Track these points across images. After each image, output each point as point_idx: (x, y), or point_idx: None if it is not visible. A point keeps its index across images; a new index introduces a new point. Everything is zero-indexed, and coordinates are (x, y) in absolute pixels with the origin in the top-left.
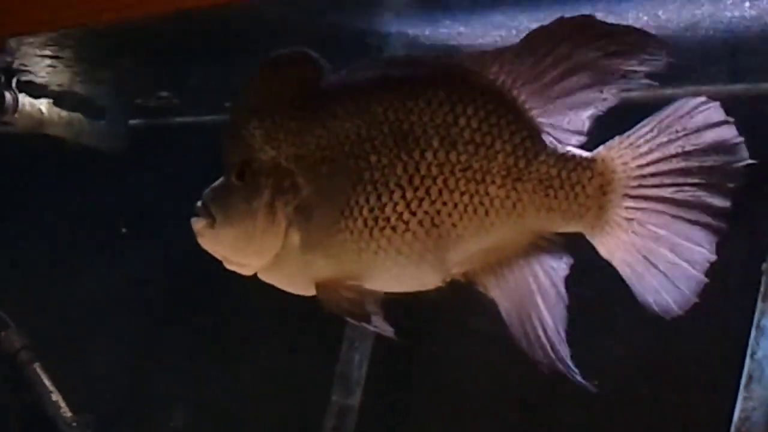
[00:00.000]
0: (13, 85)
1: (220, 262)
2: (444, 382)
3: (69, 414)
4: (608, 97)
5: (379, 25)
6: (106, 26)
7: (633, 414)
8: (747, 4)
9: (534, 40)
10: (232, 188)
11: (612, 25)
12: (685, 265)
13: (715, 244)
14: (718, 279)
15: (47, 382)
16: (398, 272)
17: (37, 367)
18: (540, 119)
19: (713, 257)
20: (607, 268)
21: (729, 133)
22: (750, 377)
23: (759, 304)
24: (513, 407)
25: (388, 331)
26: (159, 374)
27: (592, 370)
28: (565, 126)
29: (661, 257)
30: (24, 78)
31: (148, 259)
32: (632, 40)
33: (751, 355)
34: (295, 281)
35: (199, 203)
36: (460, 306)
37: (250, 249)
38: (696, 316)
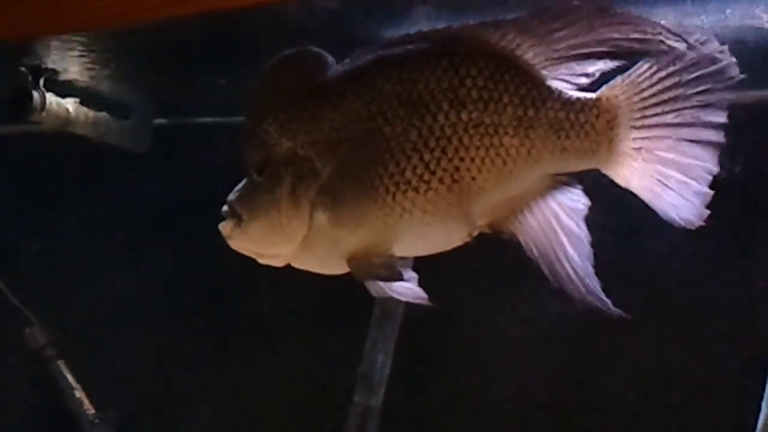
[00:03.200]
0: (41, 84)
1: (245, 261)
2: (465, 383)
3: (92, 411)
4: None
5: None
6: (134, 26)
7: (657, 420)
8: None
9: (544, 14)
10: (255, 185)
11: (630, 13)
12: (691, 181)
13: (717, 157)
14: (747, 287)
15: (70, 379)
16: (425, 231)
17: (61, 363)
18: (546, 72)
19: (715, 169)
20: None
21: (722, 57)
22: None
23: None
24: (535, 410)
25: (422, 296)
26: (182, 373)
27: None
28: (571, 77)
29: (672, 178)
30: (51, 77)
31: (172, 258)
32: (652, 31)
33: None
34: (327, 261)
35: (224, 207)
36: (482, 308)
37: (279, 237)
38: (724, 323)
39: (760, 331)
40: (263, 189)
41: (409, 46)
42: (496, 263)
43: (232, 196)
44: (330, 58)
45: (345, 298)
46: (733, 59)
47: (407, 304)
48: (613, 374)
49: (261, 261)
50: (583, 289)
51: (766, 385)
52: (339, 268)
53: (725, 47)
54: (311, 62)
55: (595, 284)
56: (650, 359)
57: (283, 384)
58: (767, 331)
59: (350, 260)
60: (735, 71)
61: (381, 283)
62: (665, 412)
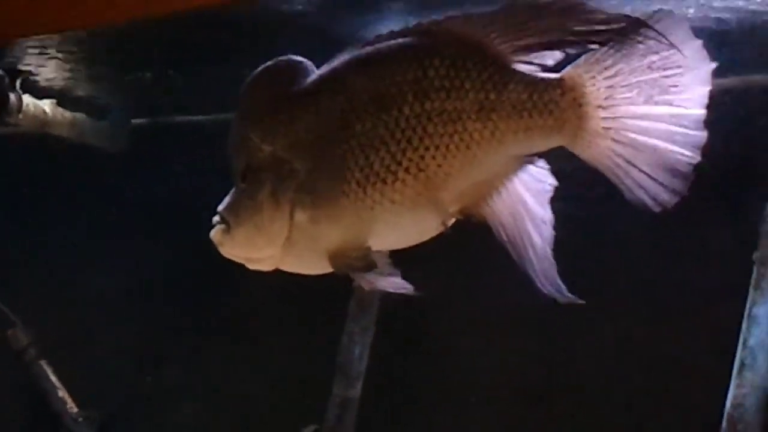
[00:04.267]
0: (18, 86)
1: (224, 260)
2: (442, 372)
3: (75, 410)
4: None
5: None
6: (109, 27)
7: (629, 402)
8: None
9: (509, 8)
10: (240, 192)
11: (595, 6)
12: (669, 164)
13: (699, 144)
14: (710, 269)
15: (53, 379)
16: (397, 221)
17: (44, 363)
18: (511, 57)
19: (696, 157)
20: None
21: (692, 43)
22: (742, 364)
23: (751, 293)
24: (512, 398)
25: (406, 287)
26: (163, 371)
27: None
28: (537, 59)
29: (644, 159)
30: (27, 79)
31: (152, 257)
32: (615, 20)
33: (743, 343)
34: (310, 260)
35: (215, 217)
36: (456, 298)
37: (263, 240)
38: (689, 305)
39: (725, 310)
40: (247, 194)
41: (381, 45)
42: (469, 253)
43: (221, 205)
44: (310, 65)
45: (322, 293)
46: (701, 40)
47: (383, 297)
48: (586, 358)
49: (250, 266)
50: (540, 273)
51: (735, 365)
52: (322, 267)
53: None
54: (291, 70)
55: (551, 268)
56: (621, 342)
57: (263, 378)
58: (732, 310)
59: (330, 256)
60: (708, 61)
61: (368, 277)
62: (637, 394)
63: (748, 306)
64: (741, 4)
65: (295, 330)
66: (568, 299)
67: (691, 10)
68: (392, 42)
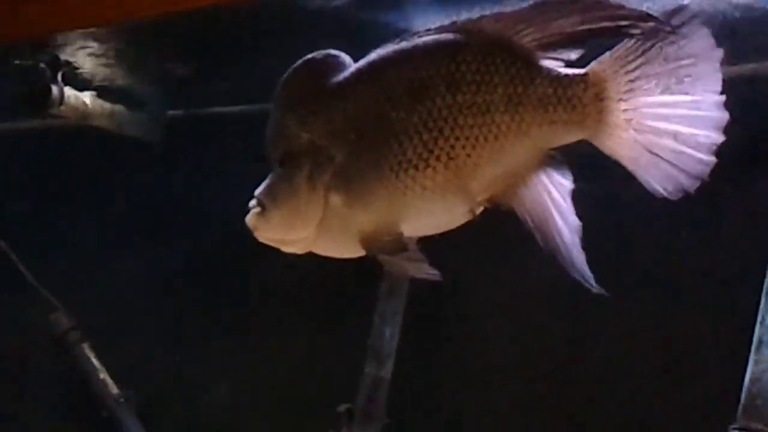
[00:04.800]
0: (59, 78)
1: (257, 245)
2: (470, 354)
3: (116, 391)
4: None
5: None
6: (147, 20)
7: (650, 379)
8: None
9: (539, 5)
10: (277, 176)
11: (626, 6)
12: (691, 151)
13: (721, 128)
14: (729, 249)
15: (95, 361)
16: (427, 207)
17: (85, 346)
18: (538, 54)
19: (720, 138)
20: None
21: (708, 38)
22: (760, 342)
23: None
24: (539, 378)
25: (433, 273)
26: (200, 353)
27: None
28: (563, 55)
29: (665, 148)
30: (68, 71)
31: (188, 241)
32: (636, 16)
33: (761, 321)
34: (343, 243)
35: (252, 201)
36: (485, 281)
37: (298, 222)
38: (708, 286)
39: (743, 297)
40: (284, 178)
41: (416, 40)
42: (497, 237)
43: (258, 190)
44: (347, 58)
45: (354, 275)
46: (714, 39)
47: (413, 279)
48: (608, 338)
49: (284, 249)
50: (568, 262)
51: (753, 342)
52: (354, 250)
53: (706, 28)
54: (329, 63)
55: (580, 257)
56: (642, 322)
57: (297, 359)
58: (749, 297)
59: (362, 239)
60: (718, 50)
61: (397, 262)
62: (657, 373)
63: (765, 285)
64: None
65: (328, 312)
66: (596, 288)
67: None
68: (427, 38)
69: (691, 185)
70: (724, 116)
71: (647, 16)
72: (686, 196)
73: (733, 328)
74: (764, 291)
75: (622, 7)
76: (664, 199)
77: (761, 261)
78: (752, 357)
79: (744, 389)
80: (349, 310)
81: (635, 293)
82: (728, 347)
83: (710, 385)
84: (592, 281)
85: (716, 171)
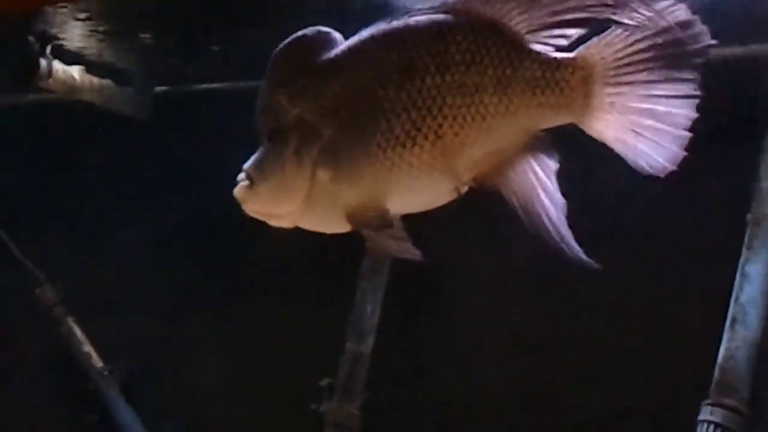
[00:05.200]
0: (48, 52)
1: (245, 220)
2: (451, 330)
3: (100, 364)
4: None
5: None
6: None
7: (627, 354)
8: None
9: None
10: (265, 150)
11: None
12: (669, 128)
13: (695, 106)
14: (706, 229)
15: (79, 334)
16: (413, 185)
17: (71, 321)
18: (528, 36)
19: (694, 114)
20: None
21: (695, 26)
22: (734, 319)
23: (744, 251)
24: (520, 354)
25: (415, 253)
26: (186, 326)
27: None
28: (552, 40)
29: (647, 127)
30: (57, 45)
31: (174, 217)
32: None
33: (736, 299)
34: (329, 218)
35: (240, 174)
36: (466, 258)
37: (284, 196)
38: (685, 263)
39: (718, 268)
40: (272, 152)
41: (407, 20)
42: (478, 215)
43: (247, 164)
44: (338, 35)
45: (336, 251)
46: (705, 27)
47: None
48: (587, 315)
49: (271, 222)
50: (557, 239)
51: (727, 320)
52: (340, 226)
53: (695, 16)
54: (320, 40)
55: (568, 234)
56: (620, 298)
57: (280, 334)
58: (725, 268)
59: (348, 214)
60: (706, 39)
61: (380, 239)
62: (635, 348)
63: (740, 263)
64: None
65: (310, 289)
66: (586, 262)
67: None
68: (418, 18)
69: (673, 160)
70: (698, 94)
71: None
72: (666, 176)
73: (708, 305)
74: (738, 269)
75: None
76: (643, 178)
77: (738, 240)
78: (726, 334)
79: (717, 366)
80: (332, 286)
81: (613, 272)
82: (703, 324)
83: (685, 359)
84: (582, 256)
85: (695, 150)
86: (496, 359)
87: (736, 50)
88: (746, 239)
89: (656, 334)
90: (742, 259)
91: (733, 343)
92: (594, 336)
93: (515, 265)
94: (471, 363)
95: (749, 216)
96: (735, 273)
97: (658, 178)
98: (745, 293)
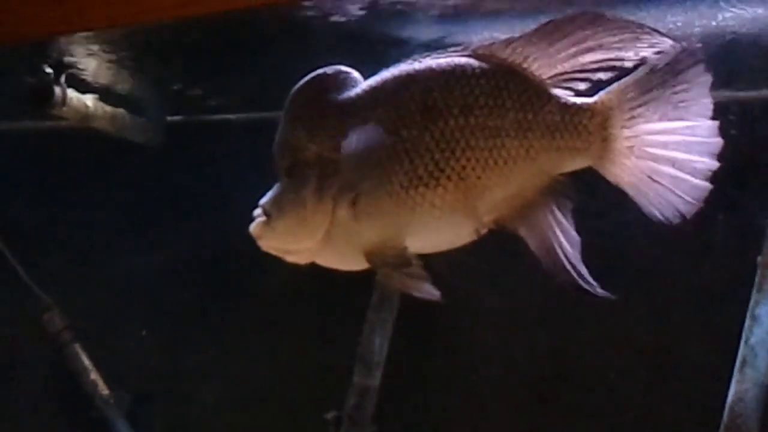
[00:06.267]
0: (62, 80)
1: (250, 249)
2: (458, 364)
3: (106, 391)
4: (616, 66)
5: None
6: (151, 26)
7: (636, 395)
8: None
9: (545, 28)
10: (284, 186)
11: (621, 18)
12: (688, 177)
13: (716, 155)
14: (716, 271)
15: (86, 361)
16: (435, 224)
17: (77, 346)
18: (549, 81)
19: (715, 164)
20: None
21: (705, 73)
22: (744, 361)
23: (754, 294)
24: (526, 389)
25: (435, 293)
26: (190, 355)
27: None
28: (573, 84)
29: (664, 174)
30: (72, 74)
31: (181, 246)
32: (642, 32)
33: (746, 341)
34: (347, 255)
35: (256, 210)
36: (474, 293)
37: (303, 232)
38: (696, 305)
39: (728, 310)
40: (291, 189)
41: (430, 62)
42: (486, 250)
43: (263, 199)
44: (357, 75)
45: (346, 283)
46: (704, 64)
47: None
48: (595, 354)
49: (287, 258)
50: (575, 276)
51: (737, 362)
52: (358, 263)
53: (700, 52)
54: (340, 78)
55: (584, 271)
56: (629, 339)
57: (287, 365)
58: (735, 310)
59: (367, 252)
60: (707, 76)
61: (399, 278)
62: (643, 388)
63: (750, 306)
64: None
65: (318, 319)
66: (603, 295)
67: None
68: (440, 60)
69: (688, 210)
70: (719, 141)
71: (652, 31)
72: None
73: (718, 347)
74: (749, 311)
75: (623, 21)
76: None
77: (749, 282)
78: (735, 376)
79: (727, 408)
80: (340, 319)
81: (623, 312)
82: (713, 366)
83: (695, 401)
84: (598, 290)
85: (710, 192)
86: (502, 394)
87: (747, 93)
88: (756, 282)
89: (665, 376)
90: (752, 302)
91: (743, 386)
92: (601, 376)
93: (522, 301)
94: (477, 397)
95: (760, 259)
96: (745, 315)
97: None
98: (755, 335)
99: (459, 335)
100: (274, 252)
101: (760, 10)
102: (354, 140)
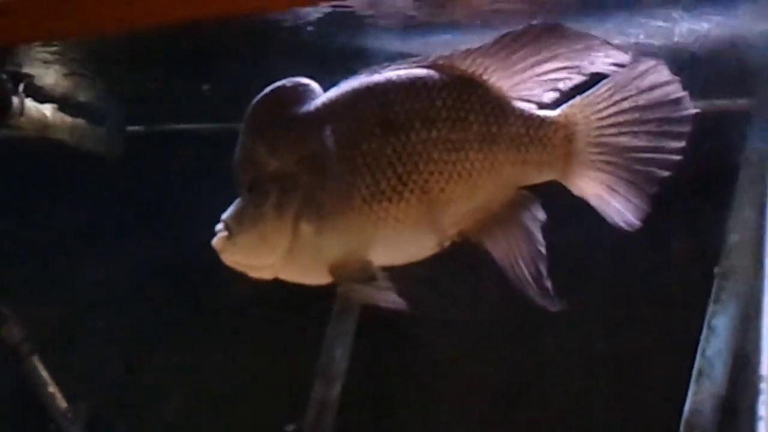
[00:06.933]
0: (21, 90)
1: (210, 262)
2: (419, 376)
3: (64, 405)
4: (573, 77)
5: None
6: (110, 36)
7: (593, 406)
8: None
9: (503, 39)
10: (245, 202)
11: (576, 30)
12: (649, 187)
13: (678, 165)
14: (674, 282)
15: (44, 374)
16: (398, 239)
17: (35, 359)
18: (510, 93)
19: (665, 173)
20: None
21: (675, 89)
22: (701, 373)
23: (711, 305)
24: (487, 401)
25: (400, 303)
26: (149, 367)
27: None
28: (535, 97)
29: (628, 184)
30: (30, 83)
31: (141, 257)
32: (596, 44)
33: (702, 353)
34: (310, 270)
35: (218, 225)
36: (438, 305)
37: (265, 248)
38: (653, 316)
39: (685, 321)
40: (252, 204)
41: (390, 74)
42: (448, 263)
43: (225, 214)
44: (317, 87)
45: (305, 295)
46: (686, 93)
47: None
48: (553, 365)
49: (251, 274)
50: (537, 290)
51: (693, 373)
52: (321, 277)
53: (676, 79)
54: (298, 91)
55: (548, 286)
56: (587, 350)
57: (247, 377)
58: (692, 321)
59: (331, 267)
60: (688, 105)
61: (364, 290)
62: (601, 399)
63: (707, 317)
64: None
65: (278, 331)
66: (566, 310)
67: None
68: (400, 72)
69: (643, 216)
70: (680, 152)
71: (605, 43)
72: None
73: (674, 358)
74: (706, 323)
75: (578, 33)
76: (612, 230)
77: (706, 293)
78: (692, 388)
79: (683, 420)
80: (300, 330)
81: (581, 324)
82: (672, 376)
83: (651, 413)
84: (557, 303)
85: (666, 204)
86: (463, 406)
87: (703, 105)
88: (714, 293)
89: (623, 387)
90: (709, 313)
91: (699, 396)
92: (560, 388)
93: (484, 313)
94: (438, 409)
95: (717, 269)
96: (701, 326)
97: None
98: (712, 347)
99: (419, 348)
100: (236, 267)
101: (715, 24)
102: (315, 155)
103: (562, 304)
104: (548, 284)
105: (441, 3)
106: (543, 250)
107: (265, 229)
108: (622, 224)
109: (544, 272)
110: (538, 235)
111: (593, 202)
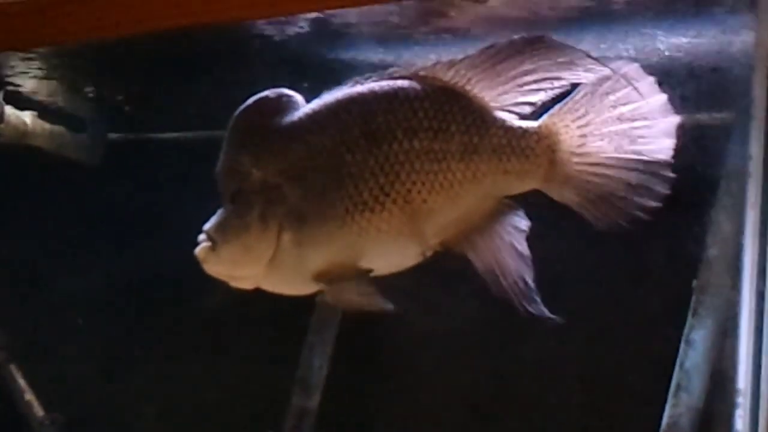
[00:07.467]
0: (0, 97)
1: (189, 270)
2: (398, 386)
3: (41, 413)
4: (556, 89)
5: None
6: (92, 43)
7: (570, 419)
8: None
9: (487, 51)
10: (228, 212)
11: (559, 43)
12: (633, 193)
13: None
14: (652, 295)
15: (21, 382)
16: (381, 248)
17: (12, 367)
18: (492, 104)
19: (660, 182)
20: None
21: (654, 92)
22: (678, 386)
23: (689, 319)
24: (466, 412)
25: (385, 306)
26: (127, 376)
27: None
28: (516, 108)
29: (611, 191)
30: (10, 90)
31: (120, 266)
32: (578, 56)
33: (681, 366)
34: (293, 280)
35: (201, 235)
36: (415, 315)
37: (248, 258)
38: (630, 329)
39: (663, 334)
40: (235, 215)
41: (372, 85)
42: (430, 273)
43: (208, 224)
44: (300, 98)
45: (284, 304)
46: (665, 96)
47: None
48: (532, 377)
49: (233, 284)
50: (523, 300)
51: (671, 386)
52: (304, 288)
53: (651, 77)
54: (282, 102)
55: (534, 295)
56: (564, 362)
57: (225, 386)
58: (670, 334)
59: (314, 277)
60: (670, 110)
61: (346, 297)
62: (577, 411)
63: (686, 330)
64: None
65: (257, 341)
66: (554, 320)
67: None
68: (383, 83)
69: (631, 219)
70: (666, 158)
71: (587, 56)
72: (615, 239)
73: (652, 371)
74: (684, 336)
75: (561, 45)
76: (588, 243)
77: (684, 306)
78: (670, 401)
79: None
80: (280, 340)
81: (558, 336)
82: (650, 389)
83: (628, 426)
84: (548, 314)
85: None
86: (441, 417)
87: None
88: (692, 306)
89: (600, 400)
90: (687, 326)
91: (677, 410)
92: (538, 400)
93: (463, 325)
94: (417, 420)
95: (695, 283)
96: (679, 339)
97: (604, 242)
98: (690, 360)
99: (399, 357)
100: (219, 277)
101: (693, 38)
102: (298, 166)
103: (550, 315)
104: (535, 294)
105: (424, 15)
106: (528, 259)
107: (249, 240)
108: (606, 229)
109: (530, 282)
110: (523, 245)
111: (578, 209)
